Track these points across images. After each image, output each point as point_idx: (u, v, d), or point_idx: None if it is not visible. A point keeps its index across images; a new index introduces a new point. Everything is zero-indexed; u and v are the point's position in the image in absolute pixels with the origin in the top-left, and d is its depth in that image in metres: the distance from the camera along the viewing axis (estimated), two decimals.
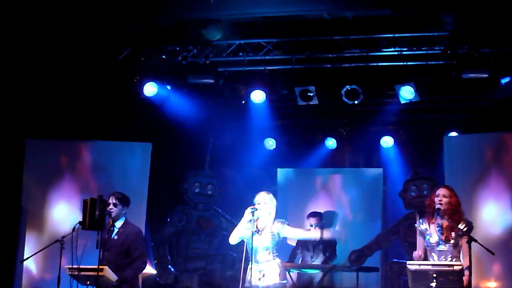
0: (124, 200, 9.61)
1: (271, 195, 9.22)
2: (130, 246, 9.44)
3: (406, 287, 9.23)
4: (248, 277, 8.95)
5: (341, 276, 12.63)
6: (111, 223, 9.55)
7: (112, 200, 9.52)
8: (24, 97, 12.36)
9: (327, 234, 9.65)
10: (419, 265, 8.55)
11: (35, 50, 11.73)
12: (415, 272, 8.49)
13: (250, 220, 8.90)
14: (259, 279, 8.92)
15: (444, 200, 8.73)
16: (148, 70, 12.46)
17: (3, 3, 10.92)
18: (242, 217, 8.98)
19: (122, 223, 9.59)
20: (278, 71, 12.49)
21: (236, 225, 9.15)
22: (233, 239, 9.14)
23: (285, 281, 9.13)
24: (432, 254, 8.80)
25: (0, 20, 11.06)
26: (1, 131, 12.40)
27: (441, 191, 8.80)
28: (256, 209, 8.91)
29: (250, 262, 8.91)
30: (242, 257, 8.94)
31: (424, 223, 8.92)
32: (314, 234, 9.63)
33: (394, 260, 12.95)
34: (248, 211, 8.90)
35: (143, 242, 9.70)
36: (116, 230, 9.54)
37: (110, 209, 9.47)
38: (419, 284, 8.53)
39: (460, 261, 8.60)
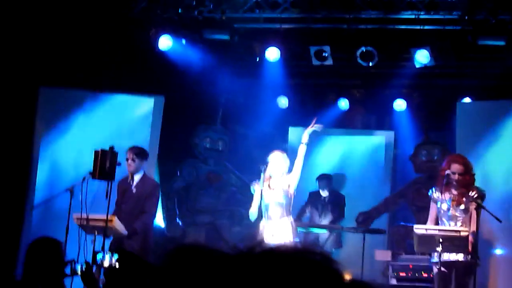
0: (142, 155, 9.77)
1: (285, 154, 9.27)
2: (145, 198, 9.58)
3: (412, 250, 9.29)
4: (260, 233, 9.01)
5: (348, 236, 12.74)
6: (130, 176, 9.68)
7: (130, 155, 9.64)
8: (38, 46, 12.34)
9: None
10: (426, 229, 8.60)
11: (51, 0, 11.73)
12: (422, 236, 8.54)
13: (259, 179, 8.95)
14: (272, 235, 8.97)
15: (459, 177, 8.73)
16: (164, 24, 12.42)
17: None
18: (252, 173, 9.05)
19: (140, 176, 9.75)
20: (294, 29, 12.44)
21: (244, 182, 9.22)
22: (252, 216, 9.17)
23: (297, 239, 9.20)
24: (443, 219, 8.85)
25: None
26: (14, 78, 12.41)
27: (456, 168, 8.78)
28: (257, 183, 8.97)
29: (263, 219, 8.97)
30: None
31: (436, 191, 8.94)
32: (301, 149, 9.48)
33: (401, 223, 13.00)
34: (256, 187, 8.99)
35: (157, 197, 9.83)
36: (134, 183, 9.67)
37: (129, 164, 9.60)
38: (425, 248, 8.60)
39: (468, 227, 8.64)
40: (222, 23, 12.14)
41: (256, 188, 9.07)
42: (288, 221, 9.09)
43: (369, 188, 13.73)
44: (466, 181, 8.75)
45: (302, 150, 9.34)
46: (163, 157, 13.28)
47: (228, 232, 13.93)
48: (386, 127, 14.50)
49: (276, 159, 9.17)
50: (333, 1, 11.87)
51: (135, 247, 9.51)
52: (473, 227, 8.52)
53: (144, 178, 9.83)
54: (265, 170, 8.96)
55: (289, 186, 9.12)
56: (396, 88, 14.00)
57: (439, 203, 8.88)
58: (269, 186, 9.07)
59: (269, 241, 8.94)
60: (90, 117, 13.07)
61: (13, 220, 12.47)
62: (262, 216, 9.03)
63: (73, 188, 9.14)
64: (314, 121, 9.40)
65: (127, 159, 9.69)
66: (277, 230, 9.00)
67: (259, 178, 8.99)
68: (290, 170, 9.29)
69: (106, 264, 8.27)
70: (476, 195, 8.64)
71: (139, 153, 9.78)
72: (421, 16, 11.67)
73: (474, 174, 8.86)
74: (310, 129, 9.42)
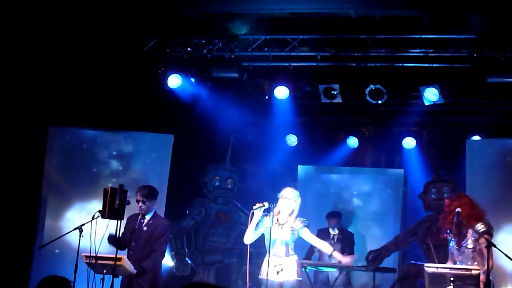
0: (151, 195, 9.73)
1: (297, 192, 9.27)
2: (156, 237, 9.55)
3: None
4: (264, 270, 8.97)
5: (358, 275, 12.65)
6: (141, 215, 9.67)
7: (140, 198, 9.61)
8: (48, 84, 12.40)
9: (346, 260, 9.74)
10: (437, 268, 8.52)
11: (61, 38, 11.78)
12: (433, 274, 8.46)
13: (267, 214, 8.92)
14: (277, 273, 8.95)
15: (463, 212, 8.70)
16: (173, 62, 12.46)
17: None
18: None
19: (151, 215, 9.71)
20: (303, 67, 12.47)
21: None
22: (247, 239, 9.15)
23: (300, 278, 9.15)
24: (455, 258, 8.80)
25: (29, 8, 11.10)
26: (23, 117, 12.45)
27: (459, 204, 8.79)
28: (263, 207, 8.92)
29: (268, 255, 8.94)
30: (248, 252, 9.01)
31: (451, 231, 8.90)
32: (326, 249, 9.71)
33: (412, 261, 12.90)
34: (257, 211, 8.94)
35: (167, 236, 9.80)
36: (146, 222, 9.64)
37: (140, 206, 9.58)
38: (436, 287, 8.49)
39: (482, 265, 8.56)
40: (231, 62, 12.17)
41: (256, 212, 8.98)
42: (294, 259, 9.08)
43: (379, 226, 13.67)
44: (471, 215, 8.68)
45: (327, 249, 9.53)
46: (172, 195, 13.24)
47: (238, 271, 13.85)
48: (396, 165, 14.44)
49: (288, 195, 9.17)
50: (342, 40, 11.90)
51: (144, 286, 9.46)
52: (485, 266, 8.44)
53: (155, 217, 9.79)
54: (274, 206, 8.95)
55: (293, 227, 9.13)
56: (405, 126, 13.99)
57: (452, 242, 8.84)
58: (278, 221, 9.06)
59: (273, 279, 8.92)
60: (99, 155, 13.08)
61: (22, 258, 12.44)
62: (267, 252, 9.00)
63: (82, 227, 9.11)
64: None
65: (137, 201, 9.67)
66: (283, 269, 8.97)
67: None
68: (298, 212, 9.29)
69: None
70: (483, 229, 8.56)
71: (148, 194, 9.72)
72: (430, 54, 11.68)
73: (483, 211, 8.80)
74: (350, 263, 9.66)
